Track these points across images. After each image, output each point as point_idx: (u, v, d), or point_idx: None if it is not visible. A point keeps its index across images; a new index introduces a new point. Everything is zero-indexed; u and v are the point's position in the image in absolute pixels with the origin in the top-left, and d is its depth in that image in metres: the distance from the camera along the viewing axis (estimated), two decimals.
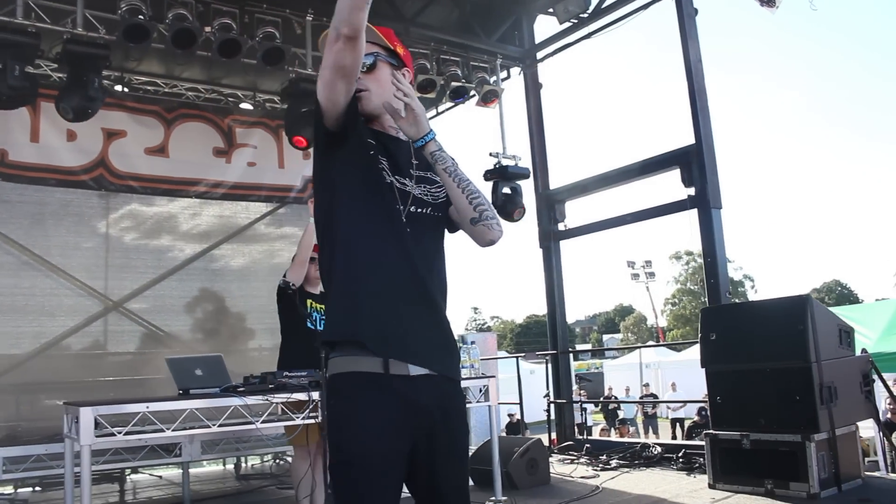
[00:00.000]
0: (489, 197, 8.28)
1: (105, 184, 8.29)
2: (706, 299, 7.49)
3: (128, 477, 7.86)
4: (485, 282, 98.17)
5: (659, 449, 7.37)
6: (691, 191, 7.44)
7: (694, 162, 7.36)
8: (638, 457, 7.30)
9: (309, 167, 9.49)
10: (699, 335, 6.26)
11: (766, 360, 5.72)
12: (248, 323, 8.93)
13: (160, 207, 8.74)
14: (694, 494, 5.64)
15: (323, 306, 5.26)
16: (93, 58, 6.35)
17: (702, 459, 6.69)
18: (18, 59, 5.98)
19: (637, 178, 8.19)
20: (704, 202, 7.28)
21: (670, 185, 7.86)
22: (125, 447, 5.20)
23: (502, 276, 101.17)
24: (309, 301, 5.21)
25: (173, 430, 4.09)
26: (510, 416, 15.18)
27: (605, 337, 59.31)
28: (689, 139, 7.48)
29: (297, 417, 4.48)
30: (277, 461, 8.33)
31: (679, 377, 21.87)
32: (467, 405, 5.33)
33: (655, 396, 18.19)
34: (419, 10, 8.22)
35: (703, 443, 6.84)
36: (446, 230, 2.32)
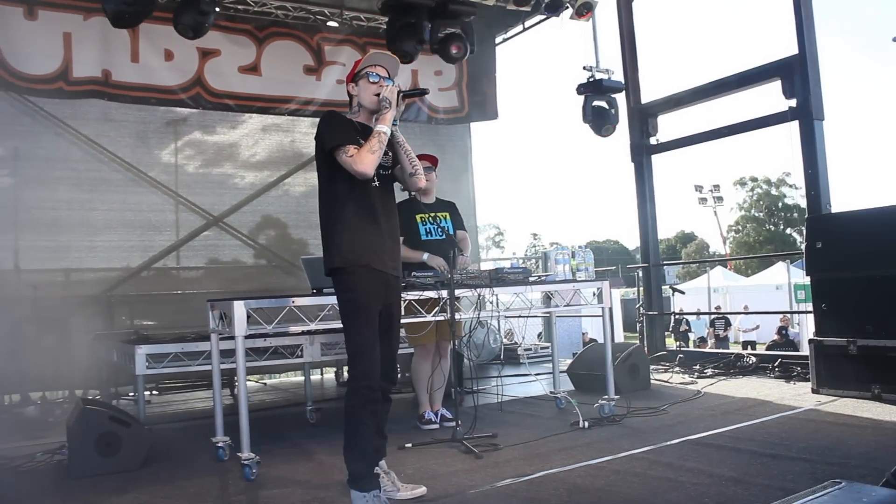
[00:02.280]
0: (581, 111, 8.33)
1: (202, 102, 8.49)
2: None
3: (236, 382, 8.27)
4: (543, 208, 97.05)
5: (753, 359, 7.46)
6: (792, 102, 7.33)
7: (797, 72, 7.22)
8: (732, 366, 7.40)
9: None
10: (804, 243, 6.26)
11: (875, 267, 5.71)
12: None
13: (247, 127, 9.06)
14: (798, 398, 5.73)
15: (434, 215, 5.44)
16: None
17: (799, 369, 6.79)
18: None
19: (734, 91, 8.05)
20: (807, 113, 7.16)
21: (753, 103, 7.75)
22: (252, 347, 5.49)
23: (559, 201, 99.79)
24: (419, 216, 5.39)
25: (316, 324, 4.32)
26: (584, 333, 15.35)
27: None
28: (785, 52, 7.39)
29: (426, 316, 4.67)
30: None
31: (748, 301, 21.76)
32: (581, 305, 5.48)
33: (727, 318, 18.09)
34: None
35: (800, 353, 6.92)
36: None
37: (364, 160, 3.35)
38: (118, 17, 6.38)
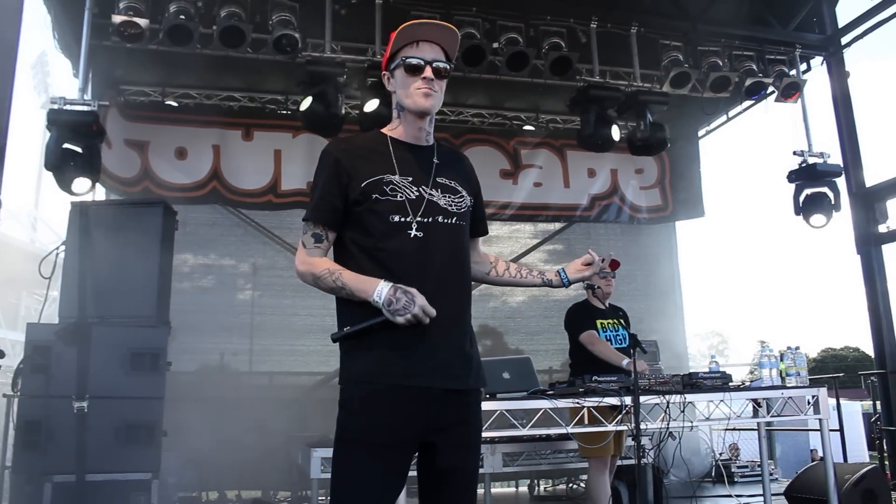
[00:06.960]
0: (793, 201, 7.54)
1: None
2: None
3: None
4: (770, 311, 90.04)
5: None
6: None
7: None
8: None
9: (596, 185, 9.36)
10: None
11: None
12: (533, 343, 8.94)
13: None
14: None
15: (617, 321, 5.03)
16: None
17: None
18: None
19: None
20: None
21: None
22: None
23: (786, 303, 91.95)
24: (599, 322, 5.01)
25: (494, 431, 4.01)
26: (812, 451, 13.64)
27: None
28: None
29: (607, 424, 4.20)
30: (570, 485, 8.07)
31: None
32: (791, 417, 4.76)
33: None
34: (706, 5, 7.69)
35: None
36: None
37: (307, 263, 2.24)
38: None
